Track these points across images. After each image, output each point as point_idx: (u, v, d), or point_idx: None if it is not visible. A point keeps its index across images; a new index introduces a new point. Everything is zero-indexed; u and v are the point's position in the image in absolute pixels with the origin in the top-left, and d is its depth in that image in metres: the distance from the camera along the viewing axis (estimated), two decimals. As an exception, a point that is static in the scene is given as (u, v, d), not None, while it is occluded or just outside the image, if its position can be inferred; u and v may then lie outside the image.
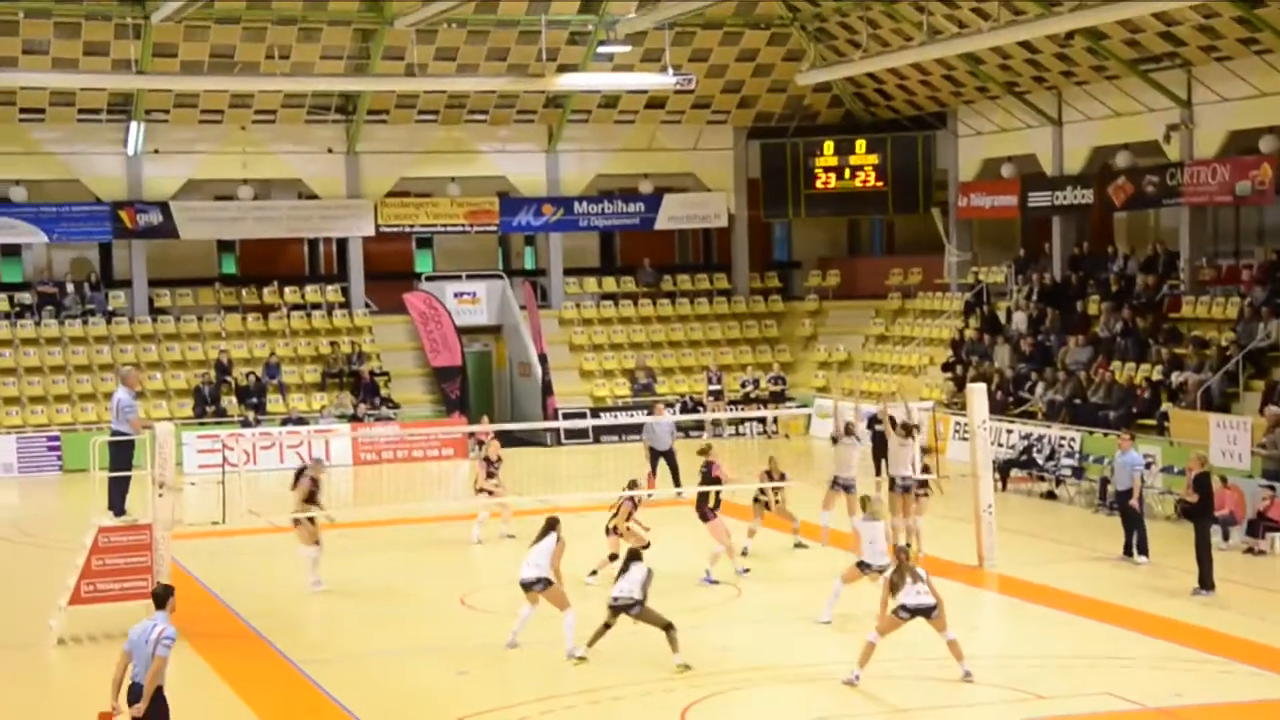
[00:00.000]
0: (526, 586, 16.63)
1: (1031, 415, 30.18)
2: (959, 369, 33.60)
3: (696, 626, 17.89)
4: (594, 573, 19.71)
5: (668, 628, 16.13)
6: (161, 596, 12.27)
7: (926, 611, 15.33)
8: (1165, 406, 27.62)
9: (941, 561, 21.24)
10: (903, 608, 15.32)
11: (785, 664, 16.29)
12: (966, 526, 21.45)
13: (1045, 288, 34.28)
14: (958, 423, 30.44)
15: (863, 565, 17.48)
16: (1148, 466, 25.30)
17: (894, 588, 15.41)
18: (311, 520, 20.45)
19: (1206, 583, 19.16)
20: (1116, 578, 20.18)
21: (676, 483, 26.11)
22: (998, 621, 19.02)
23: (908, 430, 20.65)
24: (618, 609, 16.21)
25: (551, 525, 16.69)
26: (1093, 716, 14.38)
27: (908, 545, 16.10)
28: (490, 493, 22.74)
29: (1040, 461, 27.88)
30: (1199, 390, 27.15)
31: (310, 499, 20.56)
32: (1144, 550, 21.02)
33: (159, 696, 11.86)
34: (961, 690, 15.27)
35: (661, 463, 26.79)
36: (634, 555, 16.60)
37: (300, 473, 20.94)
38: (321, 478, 21.03)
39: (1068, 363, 30.98)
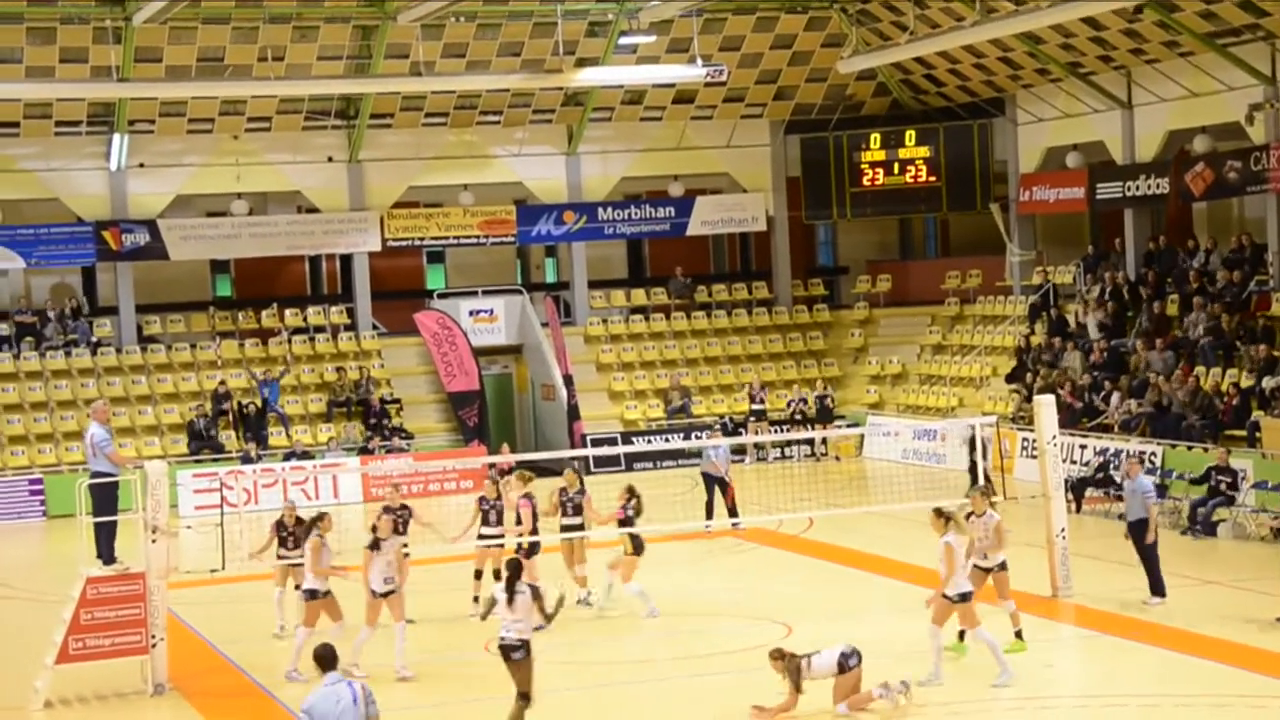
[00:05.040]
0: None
1: (1106, 428, 30.00)
2: (1025, 379, 33.46)
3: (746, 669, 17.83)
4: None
5: (526, 697, 15.03)
6: (328, 658, 12.21)
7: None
8: (1256, 415, 27.41)
9: (1012, 591, 21.10)
10: (844, 656, 15.63)
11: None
12: (1038, 553, 21.30)
13: (1118, 287, 34.11)
14: (1025, 439, 30.30)
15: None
16: (1235, 484, 25.17)
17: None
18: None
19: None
20: (1206, 607, 20.00)
21: (732, 513, 26.04)
22: (1075, 657, 18.86)
23: None
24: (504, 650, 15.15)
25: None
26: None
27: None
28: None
29: (1118, 479, 27.66)
30: (1292, 396, 26.94)
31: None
32: (1160, 590, 20.36)
33: None
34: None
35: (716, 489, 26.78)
36: (516, 567, 15.41)
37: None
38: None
39: (1145, 369, 30.80)
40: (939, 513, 17.05)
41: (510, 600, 14.96)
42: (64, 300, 37.39)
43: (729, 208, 40.42)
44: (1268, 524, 24.10)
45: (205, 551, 23.50)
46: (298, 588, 19.16)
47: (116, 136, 35.82)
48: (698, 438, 32.47)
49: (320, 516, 19.00)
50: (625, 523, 20.77)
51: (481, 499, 21.21)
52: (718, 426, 29.68)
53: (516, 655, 14.90)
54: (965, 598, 16.82)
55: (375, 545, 18.27)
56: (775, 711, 15.59)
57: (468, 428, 35.71)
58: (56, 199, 36.33)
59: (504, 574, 15.58)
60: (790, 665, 15.56)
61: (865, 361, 39.57)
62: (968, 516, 17.95)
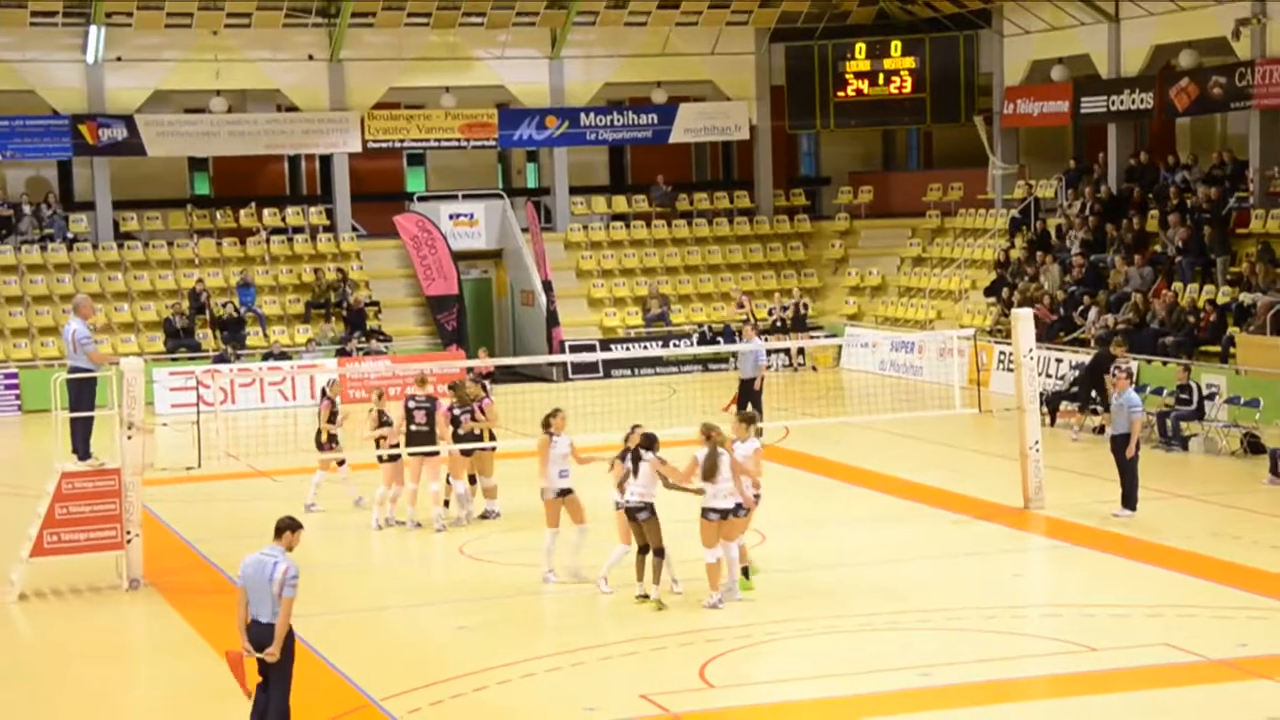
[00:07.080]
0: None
1: (1083, 342, 30.12)
2: (1004, 292, 33.54)
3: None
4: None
5: (660, 552, 16.50)
6: (280, 529, 12.29)
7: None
8: (1231, 331, 27.55)
9: (985, 503, 21.33)
10: (711, 510, 16.11)
11: (811, 615, 16.33)
12: (1011, 465, 21.48)
13: (1099, 202, 34.13)
14: (1002, 352, 30.43)
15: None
16: (1210, 398, 25.34)
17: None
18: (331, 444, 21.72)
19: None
20: (1175, 520, 20.19)
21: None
22: (1045, 568, 19.06)
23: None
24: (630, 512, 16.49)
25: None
26: (1149, 669, 14.43)
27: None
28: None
29: (1092, 393, 27.78)
30: (1269, 313, 27.05)
31: (330, 420, 21.83)
32: (1131, 504, 20.44)
33: (289, 636, 12.19)
34: (1007, 641, 15.33)
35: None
36: (650, 441, 16.58)
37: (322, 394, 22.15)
38: (338, 398, 22.17)
39: (1123, 284, 30.89)
40: (705, 427, 16.49)
41: (635, 469, 16.38)
42: (40, 194, 37.17)
43: (712, 116, 40.25)
44: (1239, 438, 24.30)
45: (181, 450, 23.52)
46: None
47: (94, 28, 35.45)
48: (676, 345, 32.26)
49: (555, 412, 17.95)
50: (454, 422, 20.51)
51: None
52: (750, 326, 28.82)
53: (641, 516, 16.39)
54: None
55: (624, 456, 17.10)
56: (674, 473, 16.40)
57: (446, 331, 35.73)
58: (32, 91, 35.99)
59: (634, 445, 16.52)
60: (714, 440, 16.07)
61: (845, 272, 39.61)
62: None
